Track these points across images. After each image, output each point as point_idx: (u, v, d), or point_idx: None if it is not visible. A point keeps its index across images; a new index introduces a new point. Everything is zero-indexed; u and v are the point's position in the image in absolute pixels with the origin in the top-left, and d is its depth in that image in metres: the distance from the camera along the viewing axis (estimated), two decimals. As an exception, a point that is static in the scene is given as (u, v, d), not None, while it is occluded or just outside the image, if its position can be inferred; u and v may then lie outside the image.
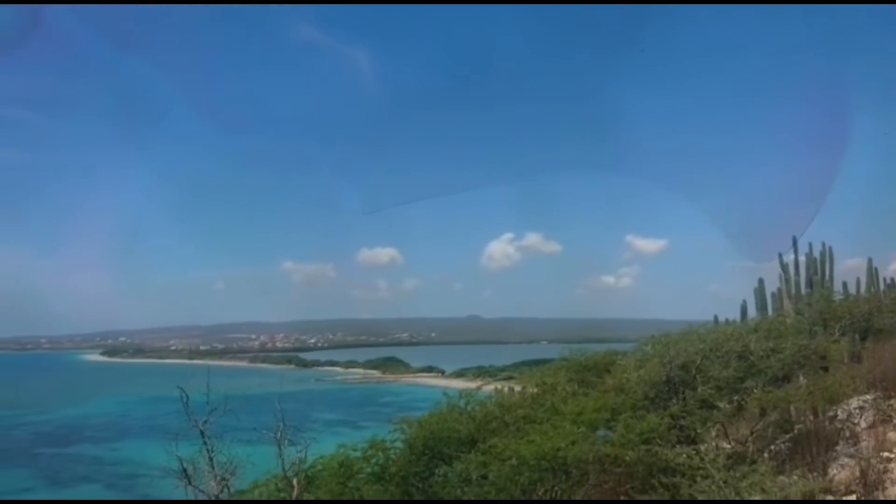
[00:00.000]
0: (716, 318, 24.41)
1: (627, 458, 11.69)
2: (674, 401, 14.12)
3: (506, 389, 21.90)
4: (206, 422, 7.69)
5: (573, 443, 11.72)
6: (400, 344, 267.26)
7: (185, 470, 7.60)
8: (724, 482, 10.17)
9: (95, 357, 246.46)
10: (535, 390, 16.74)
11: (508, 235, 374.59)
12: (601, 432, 13.62)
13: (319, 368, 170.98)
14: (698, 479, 10.41)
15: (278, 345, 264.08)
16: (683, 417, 13.41)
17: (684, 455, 11.52)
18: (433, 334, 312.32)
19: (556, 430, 12.33)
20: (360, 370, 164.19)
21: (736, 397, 15.27)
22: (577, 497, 12.25)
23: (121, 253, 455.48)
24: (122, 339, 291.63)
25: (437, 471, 13.87)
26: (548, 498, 12.28)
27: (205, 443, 7.69)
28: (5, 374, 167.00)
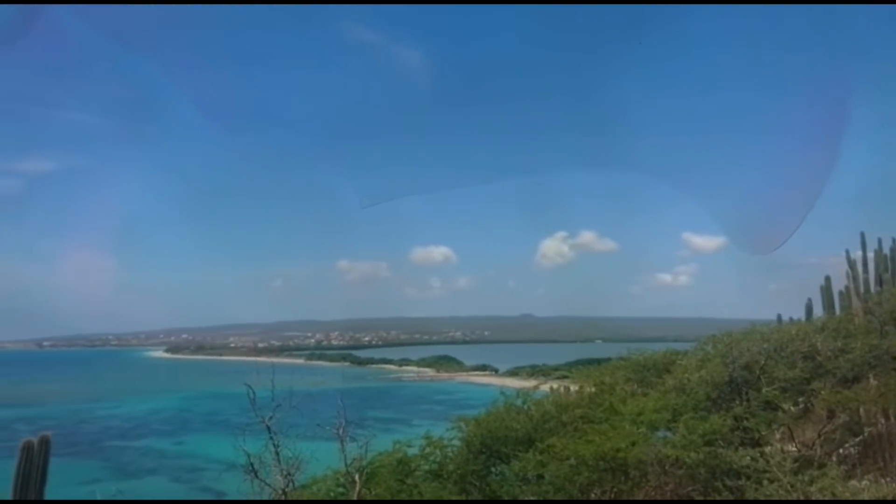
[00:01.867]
0: (779, 317, 23.77)
1: (689, 459, 11.46)
2: (737, 402, 13.82)
3: (562, 389, 21.76)
4: (271, 418, 7.89)
5: (633, 443, 11.59)
6: (453, 342, 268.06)
7: (251, 464, 7.82)
8: (792, 486, 9.88)
9: (159, 354, 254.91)
10: (593, 390, 16.58)
11: (562, 233, 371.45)
12: (661, 433, 13.42)
13: (373, 366, 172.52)
14: (765, 482, 10.14)
15: (333, 342, 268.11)
16: (747, 419, 13.10)
17: (748, 457, 11.23)
18: (486, 333, 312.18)
19: (615, 430, 12.20)
20: (414, 368, 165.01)
21: (802, 399, 14.87)
22: (638, 498, 12.09)
23: (183, 252, 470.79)
24: (185, 336, 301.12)
25: (494, 469, 13.89)
26: (606, 498, 12.17)
27: (271, 438, 7.90)
28: (76, 369, 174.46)
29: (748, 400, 13.69)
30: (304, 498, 11.19)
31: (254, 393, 7.94)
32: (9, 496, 11.46)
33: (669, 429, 13.31)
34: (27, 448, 10.59)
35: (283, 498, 7.92)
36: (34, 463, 10.54)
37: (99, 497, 8.64)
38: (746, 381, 14.14)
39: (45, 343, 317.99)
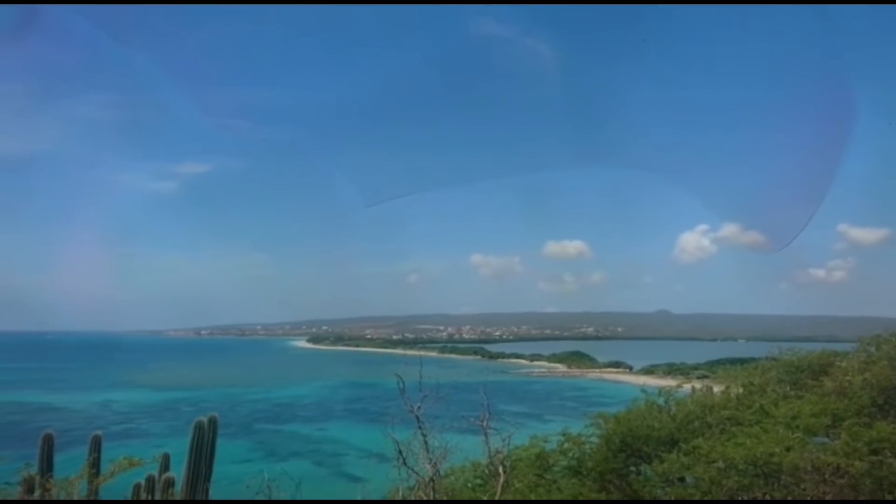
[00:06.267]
0: (957, 316, 21.41)
1: (853, 469, 10.62)
2: (908, 408, 12.65)
3: (704, 389, 20.92)
4: (419, 407, 8.20)
5: (788, 448, 10.90)
6: (585, 338, 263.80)
7: (400, 452, 8.17)
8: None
9: (302, 344, 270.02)
10: (740, 391, 15.78)
11: (703, 227, 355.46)
12: (819, 439, 12.55)
13: (505, 360, 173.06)
14: (944, 497, 9.23)
15: (465, 336, 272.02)
16: (920, 427, 11.95)
17: (922, 470, 10.27)
18: (619, 329, 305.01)
19: (767, 433, 11.55)
20: (545, 363, 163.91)
21: None
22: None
23: (327, 248, 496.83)
24: (325, 327, 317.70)
25: (634, 468, 13.58)
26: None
27: (419, 427, 8.21)
28: (230, 356, 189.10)
29: (922, 407, 12.51)
30: (446, 485, 11.47)
31: (402, 383, 8.28)
32: (181, 468, 12.79)
33: (828, 435, 12.42)
34: (199, 426, 11.72)
35: (431, 485, 8.22)
36: (205, 439, 11.64)
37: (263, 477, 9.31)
38: (919, 385, 12.92)
39: (202, 332, 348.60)
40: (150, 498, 11.90)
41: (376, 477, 14.48)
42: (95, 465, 11.91)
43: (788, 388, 15.24)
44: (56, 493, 11.21)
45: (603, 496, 12.79)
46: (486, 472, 11.87)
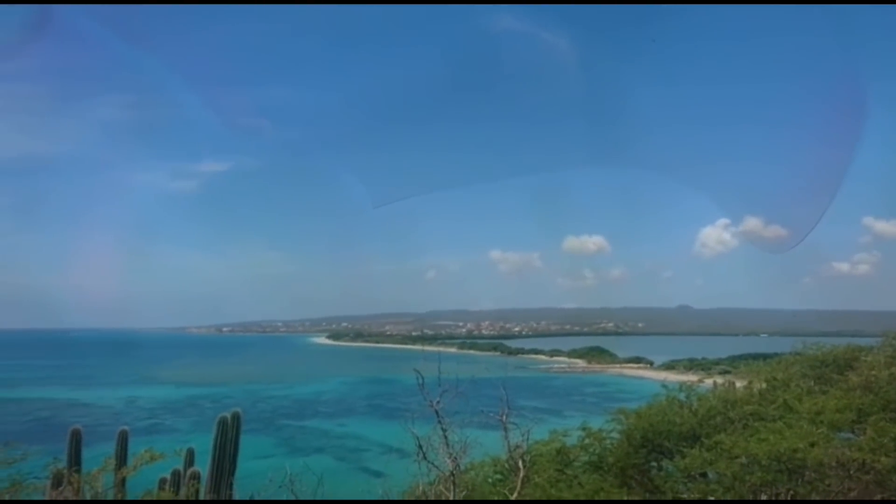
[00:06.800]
0: None
1: (879, 464, 10.49)
2: (935, 403, 12.43)
3: (726, 384, 20.76)
4: (438, 402, 8.24)
5: (812, 444, 10.79)
6: (605, 333, 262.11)
7: (420, 446, 8.21)
8: None
9: (322, 340, 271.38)
10: (763, 386, 15.62)
11: (724, 221, 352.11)
12: (844, 434, 12.40)
13: (524, 356, 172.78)
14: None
15: (484, 332, 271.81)
16: (948, 423, 11.75)
17: (950, 465, 10.12)
18: (640, 324, 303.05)
19: (791, 429, 11.44)
20: (565, 359, 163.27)
21: None
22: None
23: (345, 245, 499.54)
24: (345, 324, 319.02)
25: (655, 464, 13.52)
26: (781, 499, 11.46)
27: (439, 422, 8.25)
28: (252, 353, 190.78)
29: (949, 401, 12.29)
30: (466, 480, 11.48)
31: (422, 379, 8.32)
32: (206, 464, 12.98)
33: (854, 430, 12.27)
34: (222, 422, 11.86)
35: (452, 480, 8.25)
36: (228, 436, 11.77)
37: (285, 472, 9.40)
38: (947, 380, 12.70)
39: (224, 328, 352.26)
40: (175, 492, 12.09)
41: (397, 472, 14.55)
42: (119, 459, 12.12)
43: (812, 383, 15.07)
44: (80, 487, 11.41)
45: (624, 492, 12.74)
46: (506, 466, 11.88)
